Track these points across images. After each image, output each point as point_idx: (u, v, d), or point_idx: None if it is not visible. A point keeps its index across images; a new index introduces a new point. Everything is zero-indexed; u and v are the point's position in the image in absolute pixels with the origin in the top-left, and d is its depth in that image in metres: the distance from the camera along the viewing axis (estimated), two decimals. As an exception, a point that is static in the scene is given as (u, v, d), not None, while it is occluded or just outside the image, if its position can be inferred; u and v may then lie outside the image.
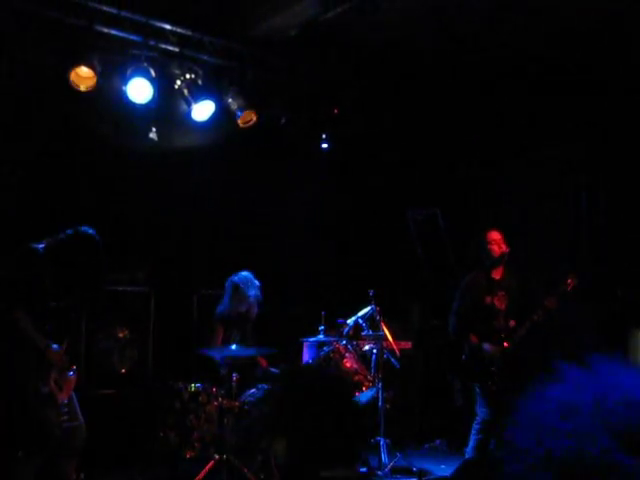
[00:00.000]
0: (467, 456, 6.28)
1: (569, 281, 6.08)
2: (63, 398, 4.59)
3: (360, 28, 7.13)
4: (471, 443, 6.21)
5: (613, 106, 7.39)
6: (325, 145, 8.51)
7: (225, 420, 5.91)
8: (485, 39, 7.19)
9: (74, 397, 4.80)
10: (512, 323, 6.14)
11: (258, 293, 6.77)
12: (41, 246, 4.66)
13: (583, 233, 7.84)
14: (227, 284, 6.82)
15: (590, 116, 7.53)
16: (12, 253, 4.64)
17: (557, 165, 8.13)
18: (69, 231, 4.79)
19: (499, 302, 6.19)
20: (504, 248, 6.21)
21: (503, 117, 8.23)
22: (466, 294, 6.31)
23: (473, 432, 6.21)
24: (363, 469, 6.75)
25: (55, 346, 4.59)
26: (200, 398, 6.10)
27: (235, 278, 6.76)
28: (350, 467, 5.10)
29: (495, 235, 6.25)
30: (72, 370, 4.74)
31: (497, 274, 6.28)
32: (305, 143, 8.53)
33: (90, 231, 4.84)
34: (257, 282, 6.78)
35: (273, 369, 6.82)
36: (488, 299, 6.18)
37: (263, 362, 6.93)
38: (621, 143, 7.50)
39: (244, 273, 6.80)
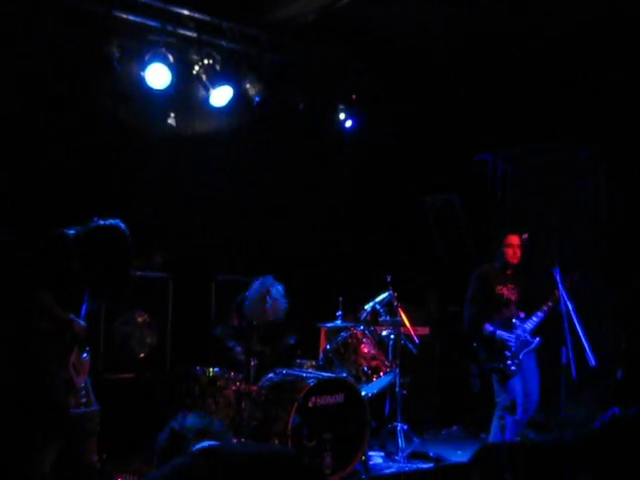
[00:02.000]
0: (488, 441, 6.32)
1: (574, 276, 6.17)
2: (80, 382, 4.61)
3: (377, 13, 7.10)
4: (493, 430, 6.25)
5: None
6: (349, 123, 8.47)
7: (243, 404, 5.95)
8: (500, 24, 7.14)
9: (88, 382, 4.82)
10: (522, 315, 6.23)
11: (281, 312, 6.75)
12: (71, 232, 4.69)
13: (602, 218, 7.80)
14: (259, 286, 6.68)
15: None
16: (42, 237, 4.67)
17: (574, 150, 8.08)
18: (100, 222, 4.79)
19: (510, 292, 6.40)
20: (518, 255, 6.40)
21: (519, 102, 8.18)
22: (478, 283, 6.49)
23: (495, 419, 6.26)
24: (381, 453, 6.79)
25: (81, 321, 4.61)
26: (218, 383, 6.13)
27: (273, 290, 6.68)
28: None
29: (514, 239, 6.44)
30: (86, 352, 4.74)
31: (510, 270, 6.50)
32: (323, 129, 8.51)
33: (121, 225, 4.84)
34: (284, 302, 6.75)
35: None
36: (500, 288, 6.36)
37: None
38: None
39: (279, 288, 6.74)
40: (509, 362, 6.12)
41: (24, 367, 4.48)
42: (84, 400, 4.61)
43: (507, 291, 6.35)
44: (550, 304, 6.16)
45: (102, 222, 4.79)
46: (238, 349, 6.39)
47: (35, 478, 4.38)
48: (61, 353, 4.52)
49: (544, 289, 6.27)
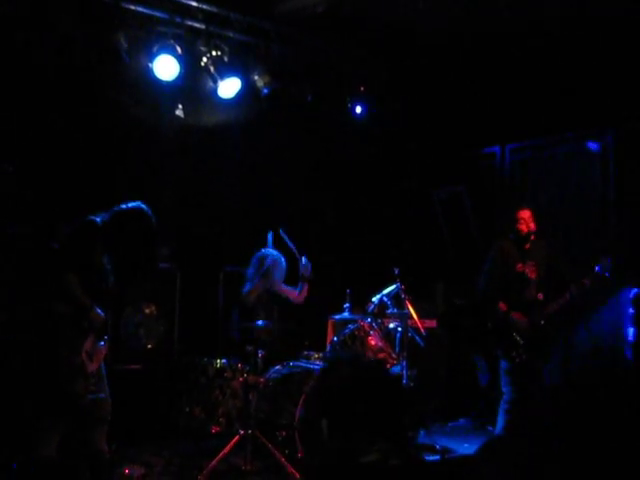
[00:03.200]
0: (495, 434, 6.28)
1: (606, 261, 6.02)
2: (93, 368, 4.63)
3: (385, 4, 7.07)
4: (499, 422, 6.20)
5: None
6: (359, 110, 8.44)
7: (250, 396, 5.96)
8: (507, 17, 7.11)
9: (103, 369, 4.84)
10: (540, 296, 6.12)
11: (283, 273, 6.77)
12: (98, 219, 4.72)
13: (610, 210, 7.77)
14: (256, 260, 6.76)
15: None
16: (71, 224, 4.70)
17: (582, 142, 8.05)
18: (123, 206, 4.83)
19: (530, 271, 6.15)
20: (532, 226, 6.18)
21: (527, 94, 8.15)
22: (497, 258, 6.27)
23: (501, 411, 6.19)
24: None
25: (99, 310, 4.63)
26: (225, 374, 6.15)
27: (269, 260, 6.74)
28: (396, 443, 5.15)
29: (525, 213, 6.22)
30: (103, 340, 4.77)
31: (527, 244, 6.24)
32: (331, 121, 8.50)
33: (144, 207, 4.87)
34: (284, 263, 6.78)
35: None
36: (520, 266, 6.15)
37: None
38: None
39: (274, 253, 6.78)
40: (521, 350, 6.05)
41: (34, 347, 4.53)
42: (93, 387, 4.62)
43: (528, 269, 6.14)
44: (568, 296, 6.01)
45: (124, 206, 4.84)
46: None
47: (40, 458, 4.43)
48: (75, 337, 4.55)
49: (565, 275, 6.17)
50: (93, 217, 4.70)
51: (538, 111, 8.13)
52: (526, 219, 6.18)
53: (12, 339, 5.18)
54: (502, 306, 6.10)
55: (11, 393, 4.91)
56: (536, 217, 6.22)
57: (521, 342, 5.99)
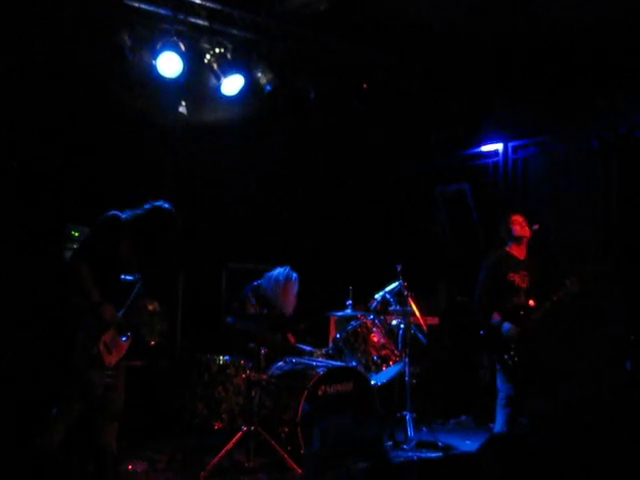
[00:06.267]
0: (495, 431, 6.31)
1: (590, 269, 6.14)
2: (111, 361, 4.62)
3: (388, 1, 7.07)
4: (498, 419, 6.23)
5: None
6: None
7: (253, 392, 5.97)
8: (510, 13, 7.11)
9: (123, 365, 4.85)
10: (531, 302, 6.20)
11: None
12: (124, 216, 4.74)
13: (613, 207, 7.77)
14: (276, 278, 6.74)
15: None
16: (96, 218, 4.73)
17: (585, 140, 8.05)
18: (148, 205, 4.86)
19: (521, 280, 6.28)
20: (526, 231, 6.32)
21: (530, 91, 8.15)
22: (491, 268, 6.37)
23: (499, 408, 6.24)
24: (389, 443, 6.80)
25: (112, 308, 4.62)
26: (228, 370, 6.16)
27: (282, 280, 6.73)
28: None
29: (518, 218, 6.38)
30: (126, 336, 4.77)
31: (521, 254, 6.37)
32: (334, 118, 8.50)
33: (168, 206, 4.89)
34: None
35: (302, 346, 6.87)
36: (511, 275, 6.26)
37: (292, 339, 6.98)
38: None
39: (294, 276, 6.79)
40: (512, 353, 6.09)
41: (53, 335, 4.56)
42: (109, 380, 4.62)
43: (518, 278, 6.25)
44: (555, 298, 6.10)
45: (149, 204, 4.87)
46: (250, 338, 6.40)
47: (42, 451, 4.46)
48: (93, 328, 4.55)
49: (554, 279, 6.24)
50: (116, 212, 4.72)
51: (540, 108, 8.14)
52: (520, 222, 6.32)
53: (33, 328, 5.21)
54: (496, 315, 6.18)
55: (26, 377, 4.92)
56: (529, 222, 6.35)
57: (512, 346, 6.06)
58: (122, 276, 4.75)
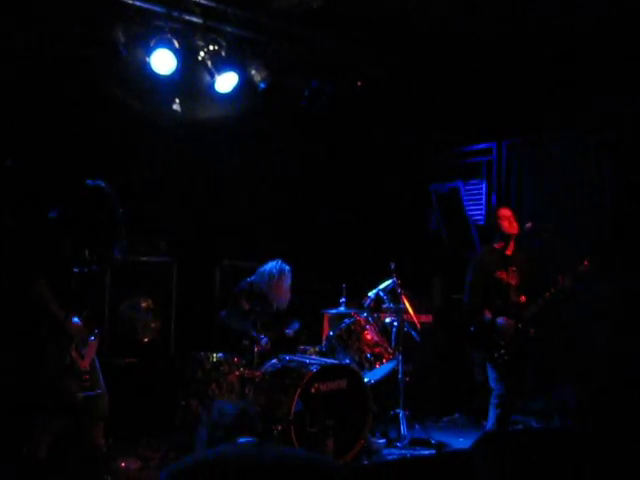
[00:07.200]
0: (487, 429, 6.32)
1: (586, 262, 6.10)
2: (85, 365, 4.61)
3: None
4: (490, 417, 6.25)
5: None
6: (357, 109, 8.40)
7: (246, 390, 5.97)
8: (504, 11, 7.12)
9: (97, 364, 4.82)
10: (523, 299, 6.19)
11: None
12: (54, 213, 4.67)
13: (607, 206, 7.79)
14: (269, 272, 6.72)
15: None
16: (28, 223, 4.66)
17: (579, 138, 8.07)
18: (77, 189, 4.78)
19: (510, 277, 6.24)
20: (514, 226, 6.29)
21: (524, 90, 8.16)
22: (478, 267, 6.38)
23: (491, 406, 6.25)
24: (382, 440, 6.81)
25: (75, 319, 4.59)
26: (222, 368, 6.14)
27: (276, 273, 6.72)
28: None
29: (506, 212, 6.36)
30: (93, 335, 4.74)
31: (509, 250, 6.35)
32: (328, 116, 8.51)
33: (99, 182, 4.78)
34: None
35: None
36: (499, 273, 6.24)
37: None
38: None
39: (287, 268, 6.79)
40: (503, 351, 6.10)
41: (24, 350, 4.52)
42: (87, 384, 4.61)
43: (507, 275, 6.22)
44: (547, 295, 6.08)
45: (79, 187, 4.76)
46: (243, 335, 6.40)
47: (31, 461, 4.44)
48: (62, 337, 4.53)
49: (548, 277, 6.25)
50: (49, 212, 4.65)
51: (534, 107, 8.14)
52: (507, 217, 6.29)
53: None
54: (487, 313, 6.18)
55: (4, 394, 4.87)
56: (517, 218, 6.35)
57: (502, 344, 6.05)
58: (75, 270, 4.68)
